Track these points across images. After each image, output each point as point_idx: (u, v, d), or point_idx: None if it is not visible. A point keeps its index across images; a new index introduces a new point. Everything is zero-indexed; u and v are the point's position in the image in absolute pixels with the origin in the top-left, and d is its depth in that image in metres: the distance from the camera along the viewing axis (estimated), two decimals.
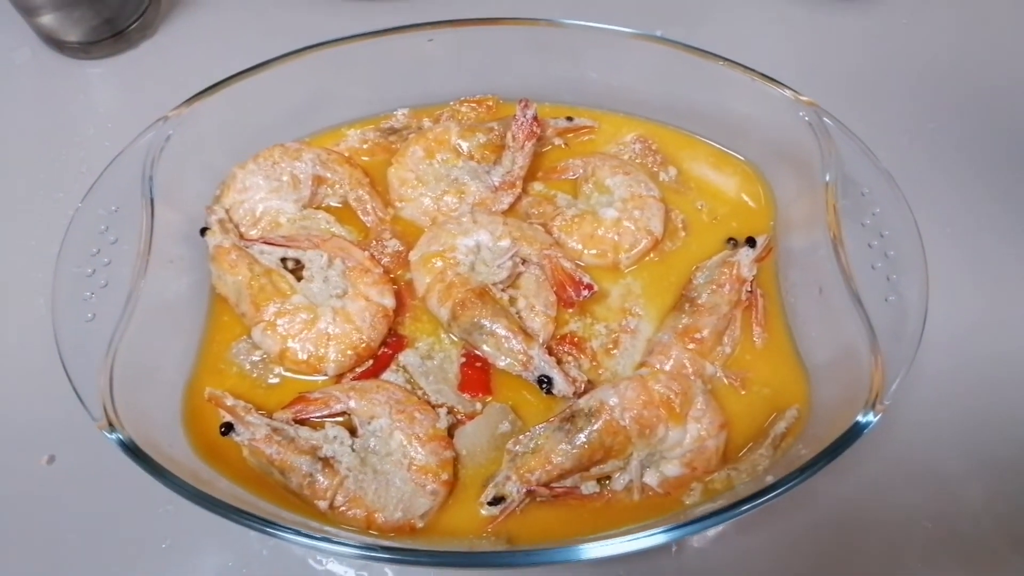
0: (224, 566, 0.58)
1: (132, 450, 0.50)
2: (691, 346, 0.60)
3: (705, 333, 0.60)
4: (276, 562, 0.58)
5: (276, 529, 0.48)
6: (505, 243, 0.64)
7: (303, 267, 0.63)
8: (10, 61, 0.83)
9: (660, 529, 0.48)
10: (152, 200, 0.59)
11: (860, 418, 0.50)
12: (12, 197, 0.75)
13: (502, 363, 0.59)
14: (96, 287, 0.56)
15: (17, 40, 0.83)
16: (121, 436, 0.50)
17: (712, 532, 0.59)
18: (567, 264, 0.63)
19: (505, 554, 0.51)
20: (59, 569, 0.58)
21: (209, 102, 0.64)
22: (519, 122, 0.69)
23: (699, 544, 0.59)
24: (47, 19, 0.79)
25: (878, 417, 0.50)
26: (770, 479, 0.50)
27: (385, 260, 0.65)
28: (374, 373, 0.61)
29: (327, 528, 0.52)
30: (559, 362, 0.59)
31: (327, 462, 0.55)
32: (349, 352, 0.60)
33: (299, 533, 0.48)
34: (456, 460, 0.57)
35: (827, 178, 0.59)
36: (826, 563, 0.58)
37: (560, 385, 0.57)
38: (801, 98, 0.62)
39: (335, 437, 0.56)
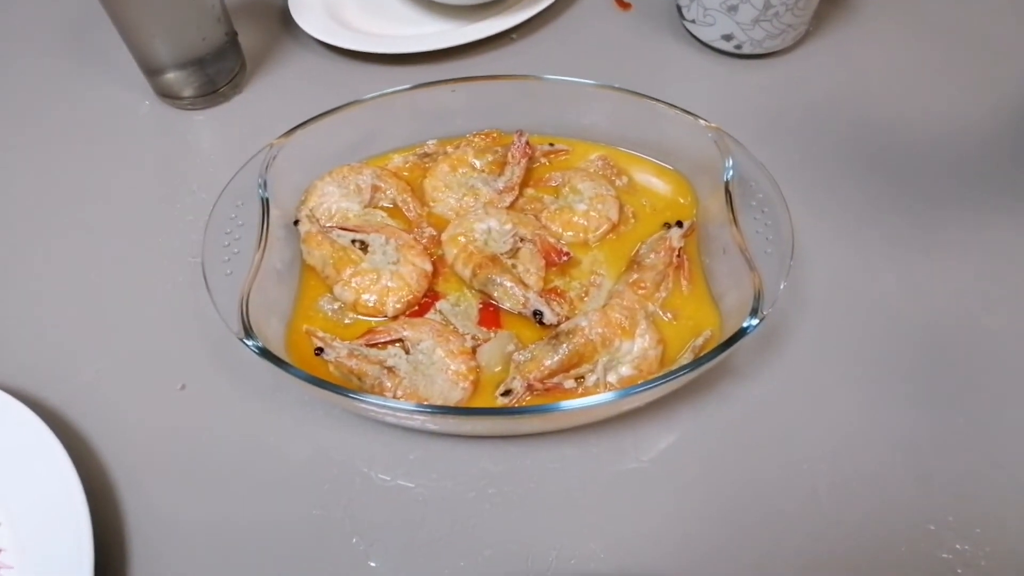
0: (313, 451, 0.80)
1: (265, 352, 0.72)
2: (639, 292, 0.83)
3: (648, 284, 0.83)
4: (342, 452, 0.80)
5: (368, 400, 0.69)
6: (508, 227, 0.87)
7: (367, 245, 0.86)
8: (136, 112, 1.10)
9: (613, 393, 0.71)
10: (266, 199, 0.83)
11: (745, 324, 0.73)
12: (145, 210, 1.00)
13: (507, 305, 0.82)
14: (231, 254, 0.79)
15: (140, 96, 1.10)
16: (258, 343, 0.73)
17: (660, 441, 0.80)
18: (551, 240, 0.87)
19: (515, 409, 0.75)
20: (193, 461, 0.80)
21: (300, 133, 0.89)
22: (516, 146, 0.93)
23: (654, 452, 0.80)
24: (167, 78, 1.06)
25: (759, 321, 0.72)
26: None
27: (424, 241, 0.89)
28: (419, 314, 0.84)
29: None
30: (547, 303, 0.82)
31: (391, 370, 0.77)
32: (403, 300, 0.83)
33: (382, 400, 0.71)
34: (478, 369, 0.79)
35: (726, 177, 0.84)
36: (747, 446, 0.79)
37: (548, 316, 0.80)
38: (710, 124, 0.87)
39: (395, 354, 0.78)
